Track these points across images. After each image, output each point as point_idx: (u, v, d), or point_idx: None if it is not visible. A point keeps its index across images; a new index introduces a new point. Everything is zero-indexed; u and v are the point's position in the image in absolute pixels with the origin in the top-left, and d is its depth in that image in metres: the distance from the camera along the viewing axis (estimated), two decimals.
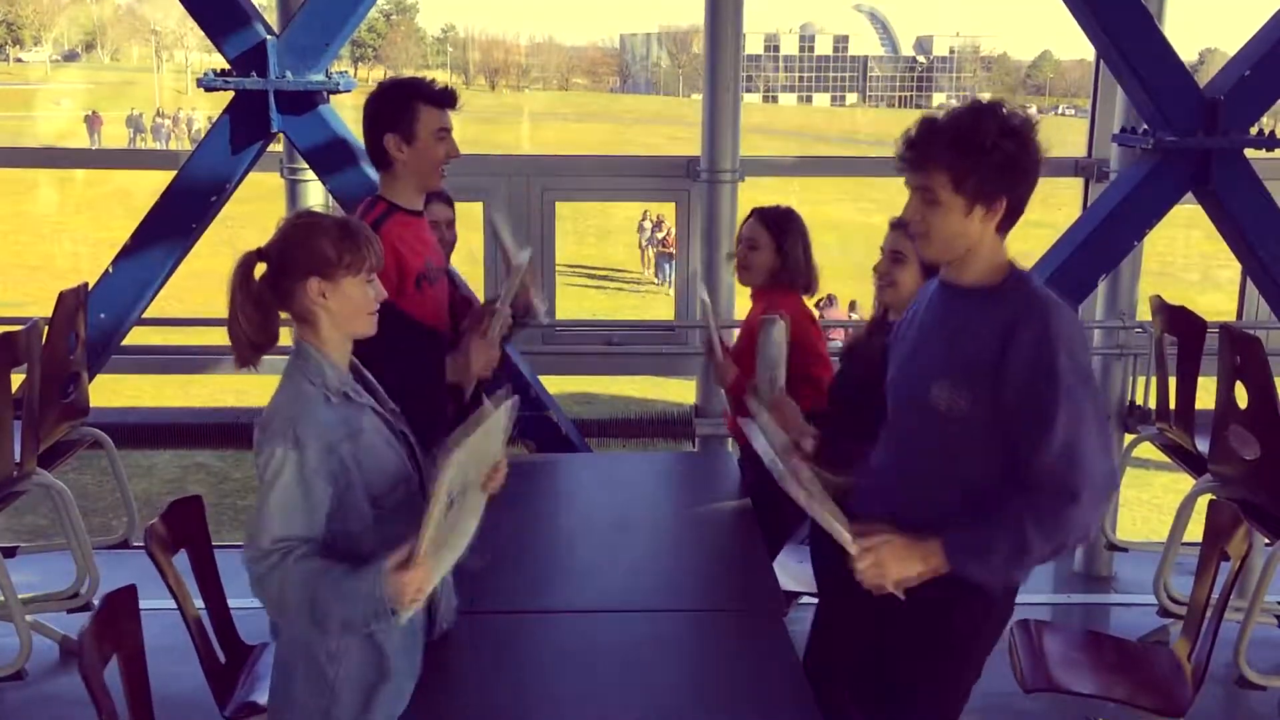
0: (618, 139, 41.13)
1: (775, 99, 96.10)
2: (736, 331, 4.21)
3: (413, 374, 2.72)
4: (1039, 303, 2.21)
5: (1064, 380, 2.14)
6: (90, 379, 4.54)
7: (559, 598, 2.93)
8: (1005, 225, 2.26)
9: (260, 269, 2.17)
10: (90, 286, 4.57)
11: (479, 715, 2.37)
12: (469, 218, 4.77)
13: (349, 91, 4.80)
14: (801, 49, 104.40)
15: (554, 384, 5.54)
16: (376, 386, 2.33)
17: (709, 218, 5.35)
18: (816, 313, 3.92)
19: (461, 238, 3.88)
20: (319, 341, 2.19)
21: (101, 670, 2.27)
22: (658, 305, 20.35)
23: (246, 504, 9.59)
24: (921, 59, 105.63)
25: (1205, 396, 4.28)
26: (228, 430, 5.22)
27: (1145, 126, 4.85)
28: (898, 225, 2.91)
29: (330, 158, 4.73)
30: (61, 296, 4.24)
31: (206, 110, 35.49)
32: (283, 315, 2.20)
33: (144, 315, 4.90)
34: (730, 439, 4.99)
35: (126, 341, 4.92)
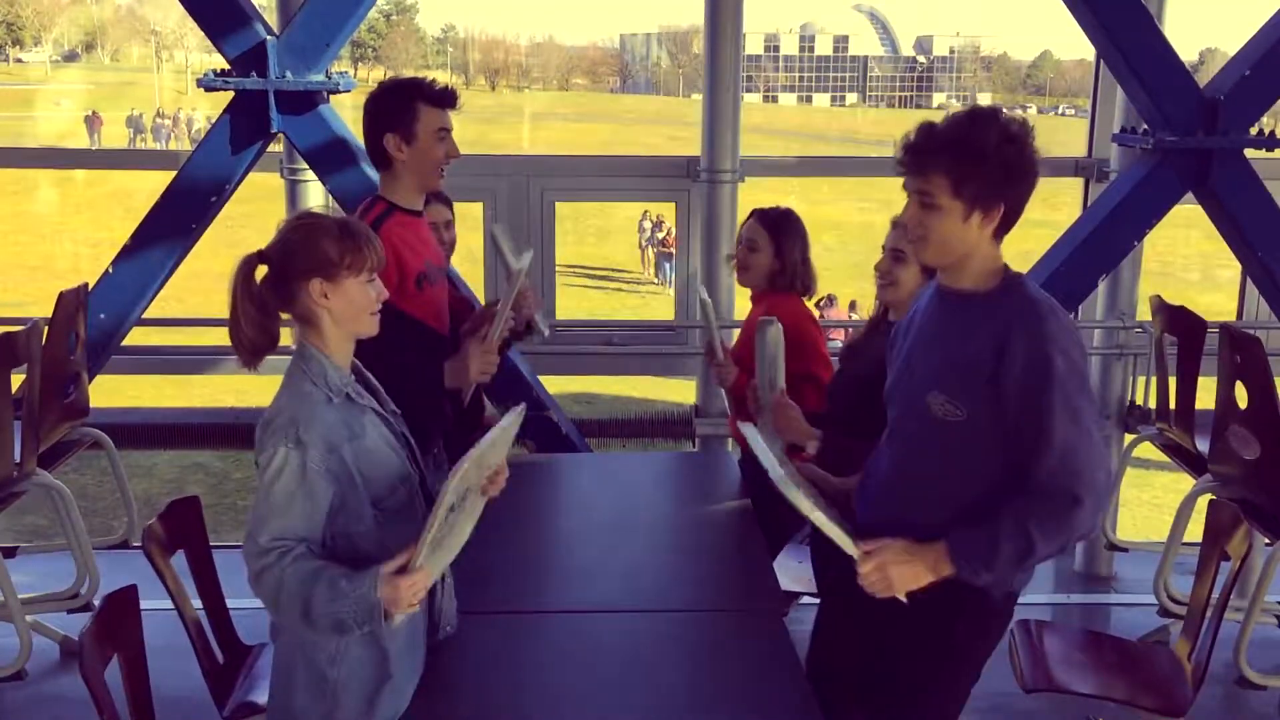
0: (618, 139, 41.10)
1: (775, 99, 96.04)
2: (737, 332, 4.21)
3: (412, 374, 2.72)
4: (1034, 307, 2.22)
5: (1061, 384, 2.15)
6: (90, 379, 4.54)
7: (559, 598, 2.93)
8: (1001, 230, 2.27)
9: (261, 271, 2.17)
10: (90, 286, 4.57)
11: (479, 715, 2.37)
12: (469, 218, 4.78)
13: (349, 91, 4.80)
14: (801, 49, 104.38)
15: (554, 384, 5.55)
16: (378, 388, 2.33)
17: (709, 218, 5.35)
18: (817, 313, 3.92)
19: (461, 238, 3.89)
20: (321, 342, 2.19)
21: (102, 670, 2.27)
22: (658, 305, 20.36)
23: (246, 504, 9.59)
24: (921, 59, 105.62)
25: (1205, 396, 4.28)
26: (228, 431, 5.22)
27: (1145, 126, 4.85)
28: (899, 224, 2.91)
29: (330, 158, 4.73)
30: (61, 296, 4.24)
31: (206, 110, 35.49)
32: (284, 317, 2.20)
33: (144, 315, 4.90)
34: (730, 439, 5.00)
35: (126, 341, 4.92)
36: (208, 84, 4.69)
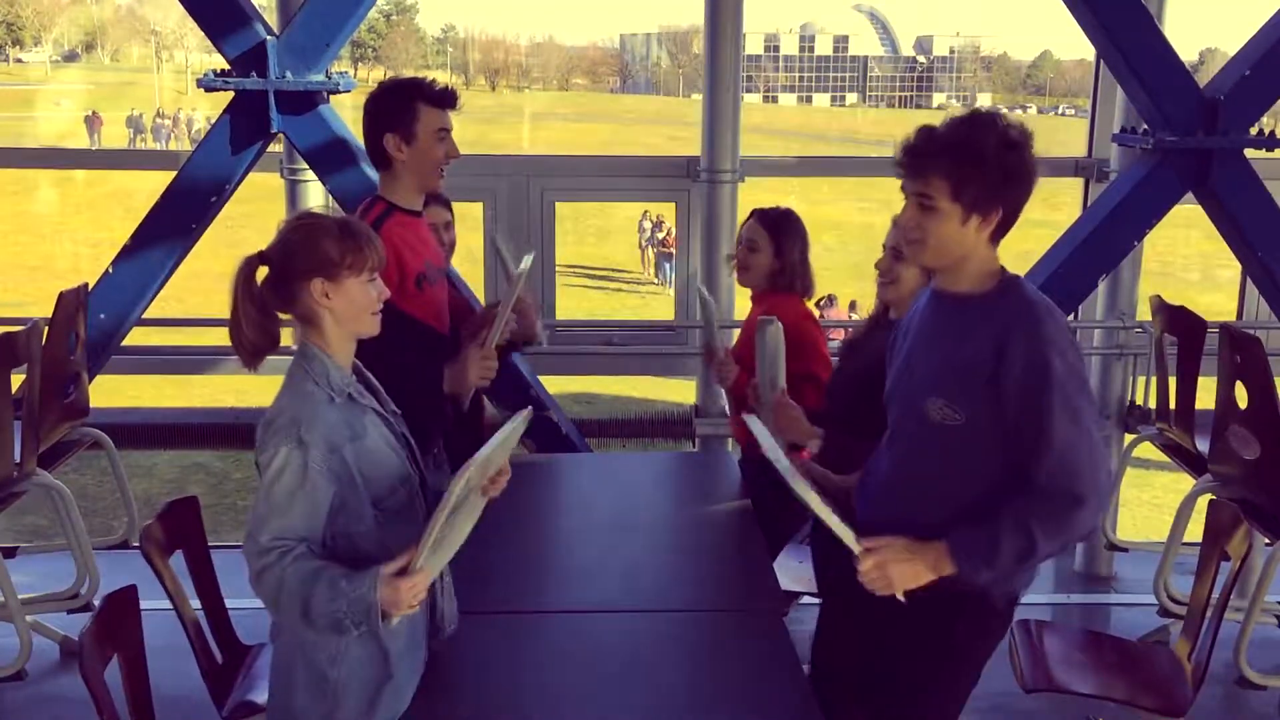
0: (618, 139, 41.10)
1: (775, 99, 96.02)
2: (737, 332, 4.21)
3: (412, 374, 2.72)
4: (1031, 309, 2.23)
5: (1060, 385, 2.16)
6: (90, 379, 4.54)
7: (559, 598, 2.94)
8: (998, 234, 2.28)
9: (262, 272, 2.17)
10: (90, 287, 4.57)
11: (479, 715, 2.37)
12: (469, 218, 4.78)
13: (349, 91, 4.80)
14: (801, 49, 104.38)
15: (554, 384, 5.55)
16: (378, 388, 2.33)
17: (709, 218, 5.35)
18: (817, 312, 3.92)
19: (461, 238, 3.88)
20: (323, 342, 2.19)
21: (102, 670, 2.27)
22: (658, 305, 20.36)
23: (246, 504, 9.59)
24: (921, 59, 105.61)
25: (1205, 396, 4.28)
26: (227, 431, 5.22)
27: (1145, 126, 4.85)
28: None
29: (330, 158, 4.73)
30: (61, 297, 4.24)
31: (206, 110, 35.49)
32: (284, 317, 2.20)
33: (144, 315, 4.90)
34: (730, 439, 5.00)
35: (126, 342, 4.92)
36: (208, 84, 4.69)
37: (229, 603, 3.06)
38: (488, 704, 2.40)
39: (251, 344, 2.16)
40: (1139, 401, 5.28)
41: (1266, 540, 3.91)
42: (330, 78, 4.70)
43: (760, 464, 2.93)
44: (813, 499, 2.20)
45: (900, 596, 2.25)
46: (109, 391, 5.41)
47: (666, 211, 16.23)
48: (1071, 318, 5.09)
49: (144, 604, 2.52)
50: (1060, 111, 72.98)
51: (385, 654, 2.22)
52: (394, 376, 2.39)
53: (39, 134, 40.29)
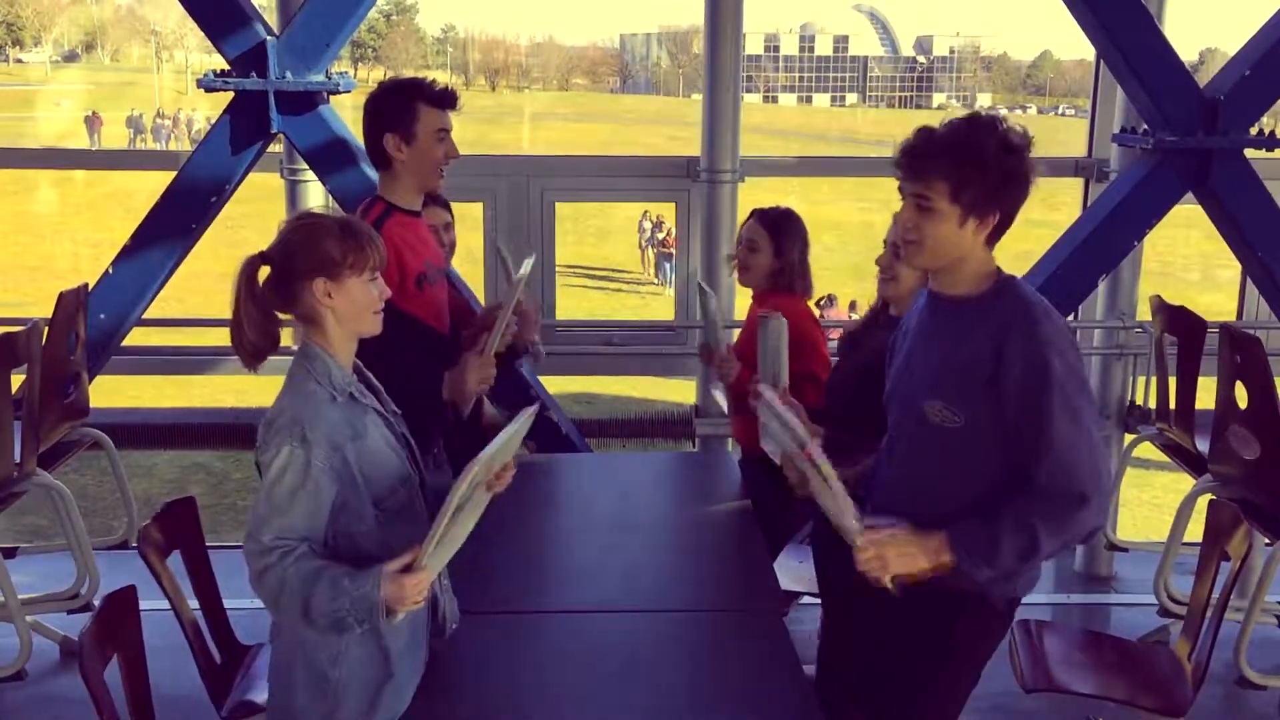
0: (618, 139, 41.09)
1: (775, 99, 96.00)
2: (737, 332, 4.21)
3: (413, 374, 2.72)
4: (1029, 310, 2.23)
5: (1060, 385, 2.16)
6: (90, 379, 4.54)
7: (559, 598, 2.93)
8: (994, 237, 2.29)
9: (264, 272, 2.17)
10: (90, 287, 4.57)
11: (479, 715, 2.37)
12: (469, 218, 4.78)
13: (349, 92, 4.80)
14: (801, 49, 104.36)
15: (554, 384, 5.55)
16: (379, 388, 2.33)
17: (709, 218, 5.35)
18: (817, 312, 3.93)
19: (461, 238, 3.88)
20: (325, 342, 2.20)
21: (102, 670, 2.27)
22: (658, 305, 20.37)
23: (246, 504, 9.59)
24: (921, 59, 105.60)
25: (1205, 396, 4.28)
26: (228, 431, 5.22)
27: (1145, 126, 4.85)
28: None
29: (330, 158, 4.73)
30: (61, 297, 4.24)
31: (206, 111, 35.48)
32: (284, 317, 2.20)
33: (144, 316, 4.90)
34: (730, 439, 4.99)
35: (126, 342, 4.92)
36: (208, 84, 4.69)
37: (227, 603, 3.06)
38: (488, 704, 2.40)
39: (252, 345, 2.16)
40: (1139, 401, 5.28)
41: (1266, 540, 3.91)
42: (330, 78, 4.70)
43: (760, 464, 2.94)
44: (827, 469, 2.18)
45: (889, 585, 2.22)
46: (109, 391, 5.41)
47: (666, 211, 16.24)
48: (1071, 318, 5.09)
49: (143, 604, 2.52)
50: (1060, 111, 72.99)
51: (386, 654, 2.22)
52: (394, 376, 2.40)
53: (39, 134, 40.29)
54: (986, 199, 2.22)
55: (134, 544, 4.54)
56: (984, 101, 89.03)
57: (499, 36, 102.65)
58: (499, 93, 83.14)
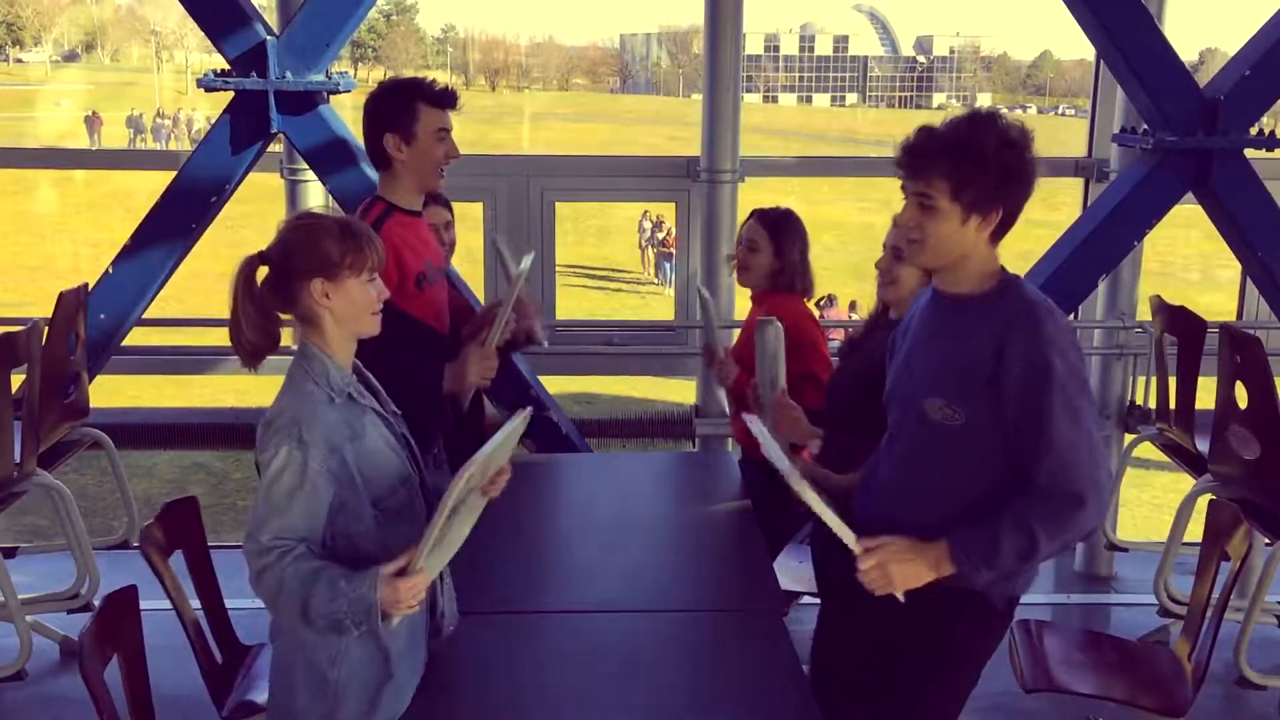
0: (618, 139, 41.08)
1: (775, 99, 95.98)
2: (737, 332, 4.21)
3: (412, 374, 2.72)
4: (1031, 309, 2.23)
5: (1060, 385, 2.16)
6: (90, 379, 4.54)
7: (559, 598, 2.93)
8: (998, 234, 2.28)
9: (262, 272, 2.17)
10: (90, 287, 4.57)
11: (479, 715, 2.37)
12: (469, 218, 4.78)
13: (349, 91, 4.80)
14: (801, 49, 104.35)
15: (554, 384, 5.55)
16: (378, 388, 2.33)
17: (709, 218, 5.35)
18: (817, 312, 3.93)
19: (461, 238, 3.88)
20: (323, 342, 2.19)
21: (102, 670, 2.27)
22: (658, 305, 20.36)
23: (247, 504, 9.59)
24: (921, 59, 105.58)
25: (1205, 396, 4.28)
26: (228, 431, 5.22)
27: (1145, 126, 4.85)
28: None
29: (330, 158, 4.73)
30: (61, 297, 4.24)
31: (206, 110, 35.48)
32: (284, 317, 2.20)
33: (144, 315, 4.90)
34: (730, 439, 5.00)
35: (126, 342, 4.92)
36: (208, 84, 4.69)
37: (229, 603, 3.06)
38: (488, 704, 2.40)
39: (251, 344, 2.16)
40: (1139, 401, 5.28)
41: (1266, 540, 3.91)
42: (330, 78, 4.70)
43: (760, 464, 2.94)
44: (814, 500, 2.20)
45: (900, 596, 2.25)
46: (109, 391, 5.42)
47: (666, 211, 16.24)
48: (1071, 318, 5.09)
49: (144, 604, 2.51)
50: (1060, 111, 72.95)
51: (385, 654, 2.22)
52: (394, 376, 2.39)
53: (39, 134, 40.28)
54: (987, 196, 2.22)
55: (134, 544, 4.56)
56: (984, 101, 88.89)
57: (499, 36, 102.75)
58: (499, 93, 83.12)
